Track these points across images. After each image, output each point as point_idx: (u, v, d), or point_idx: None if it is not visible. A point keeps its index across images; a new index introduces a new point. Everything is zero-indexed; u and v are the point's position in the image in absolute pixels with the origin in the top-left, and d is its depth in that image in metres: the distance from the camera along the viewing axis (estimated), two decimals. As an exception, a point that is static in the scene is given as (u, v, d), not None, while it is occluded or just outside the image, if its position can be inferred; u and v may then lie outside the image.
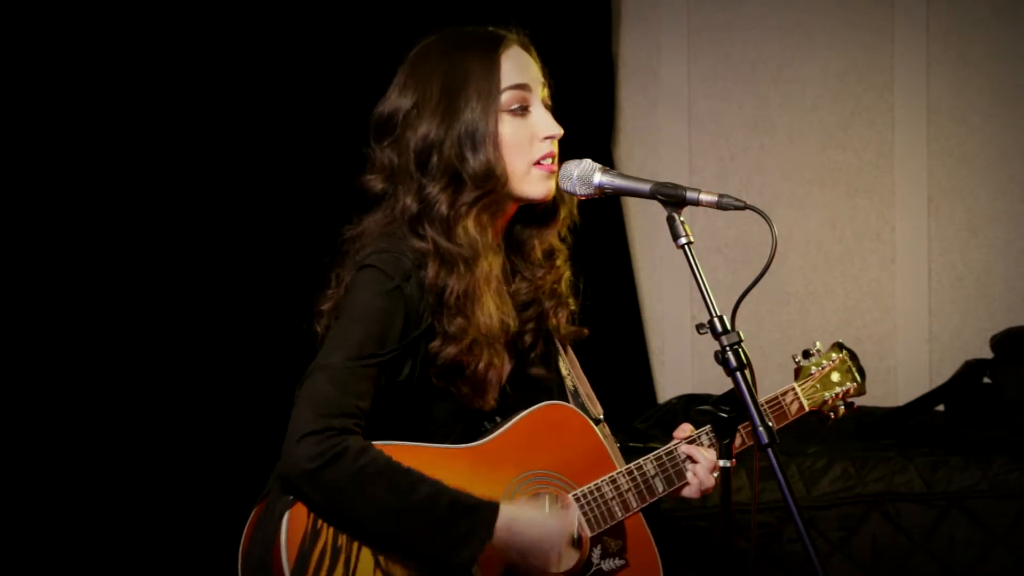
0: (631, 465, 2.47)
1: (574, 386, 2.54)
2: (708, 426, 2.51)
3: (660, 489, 2.48)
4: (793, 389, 2.64)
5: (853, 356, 2.73)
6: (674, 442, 2.53)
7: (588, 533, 2.41)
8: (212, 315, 4.01)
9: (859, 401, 5.00)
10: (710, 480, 2.49)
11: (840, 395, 2.69)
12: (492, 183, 2.33)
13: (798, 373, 2.68)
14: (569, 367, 2.55)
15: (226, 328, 4.02)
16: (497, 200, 2.36)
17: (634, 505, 2.45)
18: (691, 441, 2.52)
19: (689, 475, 2.50)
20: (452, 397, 2.35)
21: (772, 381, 2.77)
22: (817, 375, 2.67)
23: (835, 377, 2.69)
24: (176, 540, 3.87)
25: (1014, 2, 4.89)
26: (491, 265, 2.34)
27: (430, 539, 2.20)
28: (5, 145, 3.72)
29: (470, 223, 2.32)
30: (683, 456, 2.50)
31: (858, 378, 2.71)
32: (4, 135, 3.71)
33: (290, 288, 2.99)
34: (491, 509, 2.24)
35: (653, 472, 2.48)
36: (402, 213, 2.34)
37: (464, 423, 2.38)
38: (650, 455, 2.49)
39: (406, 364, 2.30)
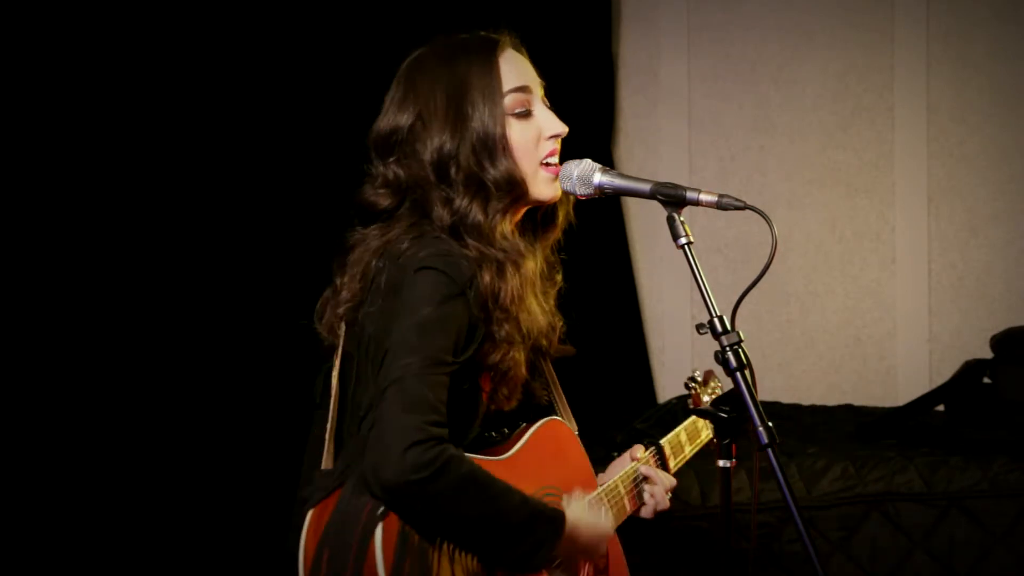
0: (607, 485, 2.49)
1: (550, 402, 2.54)
2: (654, 448, 2.58)
3: (628, 509, 2.51)
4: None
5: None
6: (632, 464, 2.55)
7: None
8: (212, 317, 4.01)
9: (859, 401, 5.02)
10: (666, 502, 2.53)
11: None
12: (516, 188, 2.32)
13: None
14: (548, 382, 2.55)
15: (226, 330, 4.02)
16: (522, 204, 2.37)
17: (612, 525, 2.46)
18: (647, 463, 2.55)
19: (646, 496, 2.53)
20: (477, 401, 2.33)
21: (772, 381, 2.78)
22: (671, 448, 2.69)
23: (683, 437, 2.71)
24: (177, 540, 3.87)
25: (1014, 2, 4.90)
26: (534, 265, 2.35)
27: (514, 544, 2.20)
28: (5, 145, 3.72)
29: (507, 227, 2.32)
30: (641, 477, 2.53)
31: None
32: (4, 135, 3.72)
33: (291, 290, 2.99)
34: (561, 518, 2.25)
35: (624, 491, 2.51)
36: (439, 224, 2.30)
37: (479, 428, 2.37)
38: (617, 476, 2.51)
39: (468, 373, 2.27)
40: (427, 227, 2.32)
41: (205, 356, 4.00)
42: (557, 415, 2.51)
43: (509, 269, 2.29)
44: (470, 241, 2.29)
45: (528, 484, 2.34)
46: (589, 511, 2.35)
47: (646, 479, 2.53)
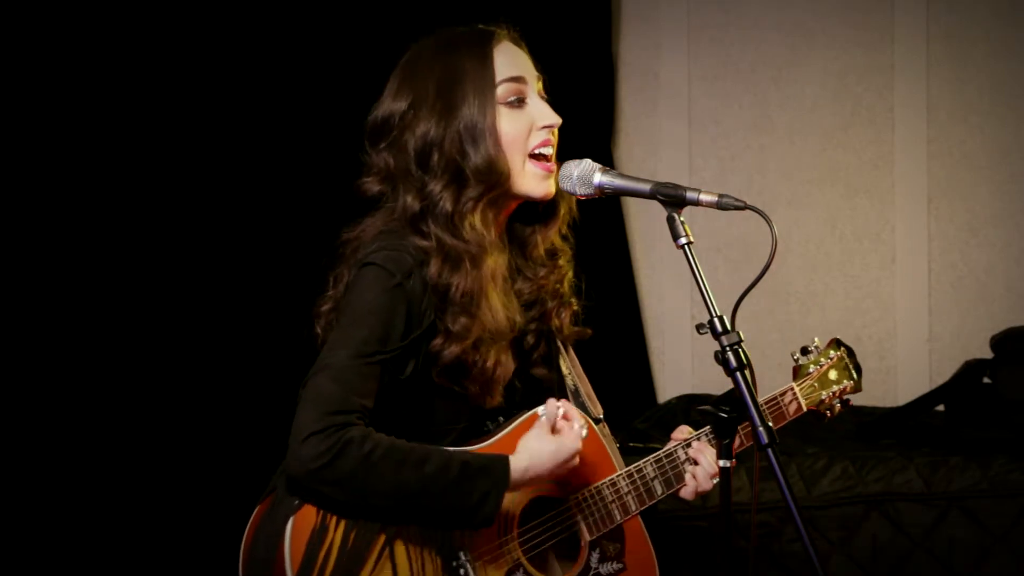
0: (631, 468, 2.47)
1: (575, 385, 2.53)
2: (708, 427, 2.51)
3: (659, 492, 2.48)
4: (792, 389, 2.63)
5: (851, 353, 2.72)
6: (672, 444, 2.53)
7: (588, 536, 2.41)
8: (212, 316, 4.01)
9: (859, 401, 5.01)
10: (708, 484, 2.49)
11: (837, 393, 2.68)
12: (495, 177, 2.33)
13: (796, 372, 2.67)
14: (570, 367, 2.55)
15: (226, 329, 4.02)
16: (500, 196, 2.36)
17: (633, 508, 2.46)
18: (688, 444, 2.51)
19: (688, 477, 2.50)
20: (454, 396, 2.35)
21: (772, 381, 2.77)
22: (815, 373, 2.66)
23: (832, 375, 2.68)
24: (177, 540, 3.86)
25: (1014, 2, 4.89)
26: (496, 262, 2.35)
27: (448, 506, 2.22)
28: (5, 145, 3.72)
29: (476, 219, 2.32)
30: (683, 458, 2.49)
31: (855, 375, 2.70)
32: (4, 135, 3.71)
33: (289, 289, 2.99)
34: (503, 465, 2.25)
35: (652, 475, 2.48)
36: (403, 212, 2.34)
37: (465, 421, 2.38)
38: (649, 457, 2.49)
39: (409, 362, 2.30)
40: (394, 219, 2.35)
41: (206, 356, 3.99)
42: (570, 402, 2.49)
43: (467, 263, 2.30)
44: (433, 229, 2.32)
45: None
46: (538, 444, 2.31)
47: (692, 460, 2.50)
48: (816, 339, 2.72)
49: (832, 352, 2.70)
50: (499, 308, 2.33)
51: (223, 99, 4.06)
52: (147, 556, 3.83)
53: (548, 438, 2.32)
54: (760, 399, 2.54)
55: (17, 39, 3.72)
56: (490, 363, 2.33)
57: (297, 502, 2.20)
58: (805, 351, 2.68)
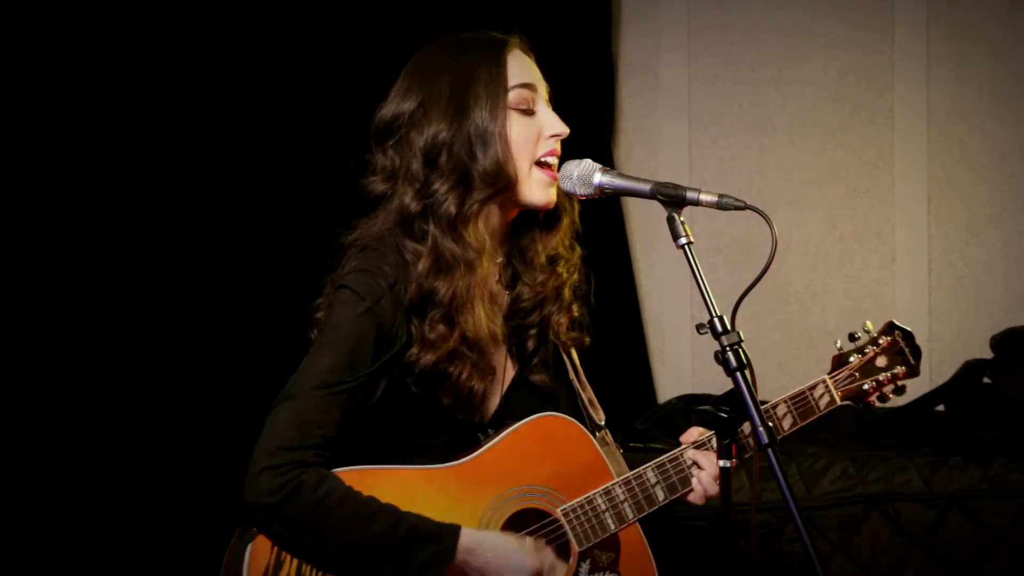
0: (630, 474, 2.43)
1: (576, 392, 2.52)
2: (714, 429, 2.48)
3: (661, 498, 2.44)
4: (823, 381, 2.55)
5: (907, 336, 2.60)
6: (681, 447, 2.49)
7: (576, 548, 2.38)
8: (211, 320, 4.00)
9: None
10: (715, 488, 2.45)
11: (887, 379, 2.57)
12: (502, 182, 2.32)
13: (835, 362, 2.57)
14: (571, 372, 2.54)
15: (224, 332, 4.01)
16: (504, 202, 2.36)
17: (630, 516, 2.42)
18: (699, 446, 2.47)
19: (694, 481, 2.46)
20: (434, 408, 2.33)
21: (772, 381, 2.77)
22: (856, 363, 2.57)
23: (881, 362, 2.58)
24: (172, 543, 3.86)
25: (1014, 2, 4.89)
26: (487, 271, 2.33)
27: (391, 568, 2.20)
28: (5, 145, 3.71)
29: (480, 223, 2.32)
30: (689, 462, 2.46)
31: (911, 360, 2.59)
32: (4, 135, 3.71)
33: (292, 290, 2.99)
34: (452, 534, 2.22)
35: (654, 480, 2.44)
36: (398, 211, 2.33)
37: (450, 433, 2.36)
38: (652, 462, 2.45)
39: (379, 384, 2.29)
40: (384, 228, 2.33)
41: (206, 357, 3.99)
42: (561, 410, 2.46)
43: (461, 267, 2.29)
44: (431, 230, 2.31)
45: (494, 486, 2.32)
46: (504, 538, 2.29)
47: (695, 464, 2.46)
48: (869, 323, 2.60)
49: (883, 338, 2.59)
50: (482, 317, 2.32)
51: (224, 99, 4.06)
52: (144, 558, 3.83)
53: (515, 541, 2.29)
54: (788, 394, 2.50)
55: (17, 39, 3.71)
56: (464, 376, 2.31)
57: (253, 530, 2.21)
58: (852, 337, 2.58)
